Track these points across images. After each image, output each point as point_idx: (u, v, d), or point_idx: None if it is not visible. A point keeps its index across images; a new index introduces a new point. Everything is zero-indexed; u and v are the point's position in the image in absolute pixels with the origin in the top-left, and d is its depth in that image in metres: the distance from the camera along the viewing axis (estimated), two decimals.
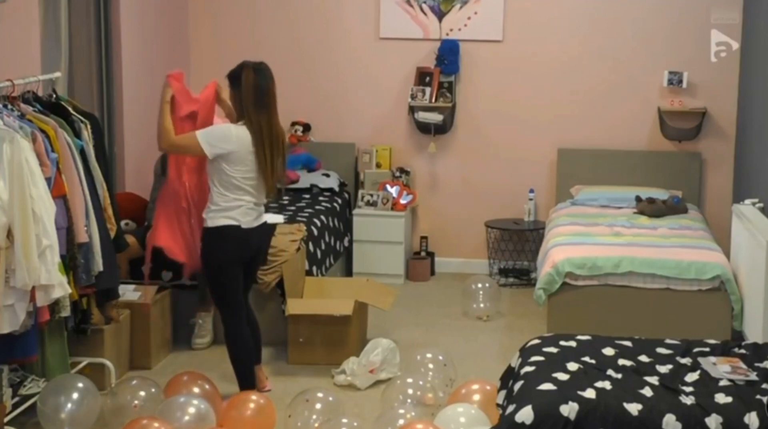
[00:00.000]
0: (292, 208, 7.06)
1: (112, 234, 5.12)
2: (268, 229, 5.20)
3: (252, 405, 4.66)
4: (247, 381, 5.06)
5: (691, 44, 7.46)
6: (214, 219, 4.88)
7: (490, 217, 7.74)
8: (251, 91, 4.85)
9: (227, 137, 4.81)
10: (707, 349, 4.39)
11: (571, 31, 7.61)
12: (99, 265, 4.90)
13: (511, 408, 3.84)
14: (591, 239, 6.23)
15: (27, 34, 5.52)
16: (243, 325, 5.07)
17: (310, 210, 6.99)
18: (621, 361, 4.21)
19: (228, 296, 5.01)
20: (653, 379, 4.03)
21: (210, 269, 5.00)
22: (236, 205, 4.87)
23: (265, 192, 4.98)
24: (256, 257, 5.17)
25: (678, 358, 4.28)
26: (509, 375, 4.36)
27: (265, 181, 4.92)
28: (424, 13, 7.69)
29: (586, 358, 4.21)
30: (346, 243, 7.54)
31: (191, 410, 4.47)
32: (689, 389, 3.93)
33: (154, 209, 6.02)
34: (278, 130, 4.96)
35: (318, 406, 4.56)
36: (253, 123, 4.85)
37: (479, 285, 6.74)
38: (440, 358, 5.17)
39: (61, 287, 4.50)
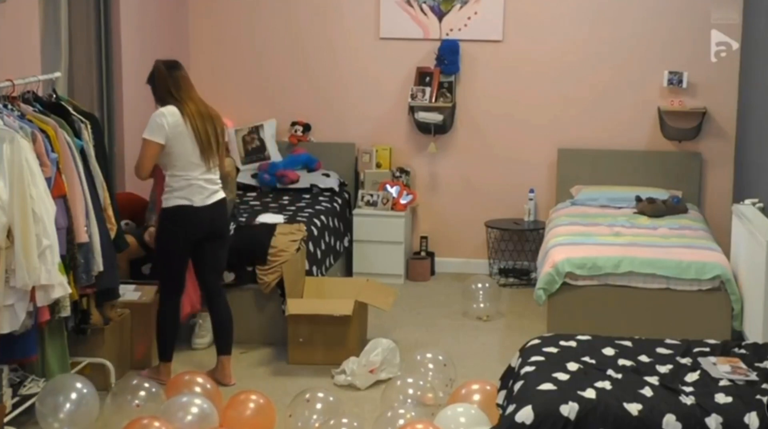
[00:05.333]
0: (292, 208, 7.06)
1: (112, 234, 5.12)
2: (223, 207, 5.36)
3: (252, 405, 4.66)
4: (165, 354, 5.36)
5: (691, 44, 7.46)
6: (168, 200, 5.20)
7: (490, 217, 7.74)
8: (163, 79, 5.20)
9: (161, 114, 5.12)
10: (707, 349, 4.39)
11: (571, 31, 7.61)
12: (99, 265, 4.90)
13: (511, 408, 3.84)
14: (591, 239, 6.23)
15: (27, 34, 5.52)
16: (178, 304, 5.39)
17: (310, 210, 6.99)
18: (621, 361, 4.22)
19: (171, 273, 5.31)
20: (653, 379, 4.03)
21: (160, 246, 5.31)
22: (187, 184, 5.16)
23: (210, 166, 5.20)
24: (214, 235, 5.34)
25: (678, 358, 4.28)
26: (509, 375, 4.36)
27: (202, 150, 5.15)
28: (424, 13, 7.69)
29: (586, 358, 4.22)
30: (346, 243, 7.54)
31: (194, 410, 4.47)
32: (689, 389, 3.93)
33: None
34: (206, 109, 5.23)
35: (318, 406, 4.56)
36: (176, 102, 5.17)
37: (479, 285, 6.74)
38: (440, 358, 5.17)
39: (61, 287, 4.50)
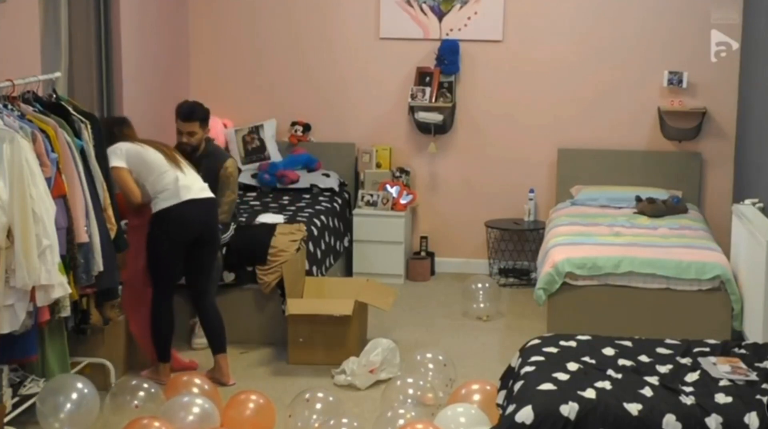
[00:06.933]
0: (292, 208, 7.06)
1: (112, 234, 5.11)
2: (213, 208, 5.46)
3: (252, 405, 4.66)
4: (164, 354, 5.42)
5: (691, 44, 7.46)
6: (157, 204, 5.32)
7: (490, 217, 7.74)
8: (112, 132, 5.45)
9: (115, 146, 5.33)
10: (707, 349, 4.39)
11: (571, 31, 7.61)
12: (99, 265, 4.89)
13: (511, 408, 3.84)
14: (591, 239, 6.23)
15: (27, 34, 5.52)
16: (170, 305, 5.43)
17: (310, 210, 6.99)
18: (621, 361, 4.22)
19: (164, 274, 5.37)
20: (653, 379, 4.03)
21: (152, 249, 5.35)
22: (172, 187, 5.29)
23: (182, 167, 5.34)
24: (205, 241, 5.40)
25: (678, 358, 4.28)
26: (509, 375, 4.36)
27: (166, 156, 5.34)
28: (424, 13, 7.69)
29: (586, 358, 4.22)
30: (346, 243, 7.54)
31: (195, 410, 4.48)
32: (689, 389, 3.93)
33: None
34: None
35: (318, 406, 4.56)
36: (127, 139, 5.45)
37: (479, 285, 6.74)
38: (440, 358, 5.17)
39: (61, 287, 4.50)
